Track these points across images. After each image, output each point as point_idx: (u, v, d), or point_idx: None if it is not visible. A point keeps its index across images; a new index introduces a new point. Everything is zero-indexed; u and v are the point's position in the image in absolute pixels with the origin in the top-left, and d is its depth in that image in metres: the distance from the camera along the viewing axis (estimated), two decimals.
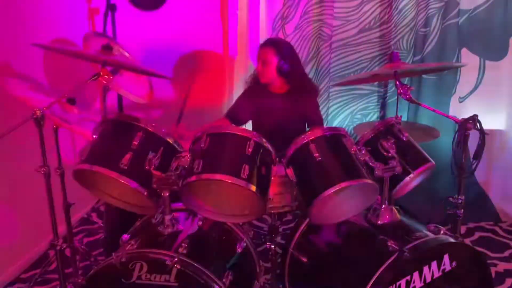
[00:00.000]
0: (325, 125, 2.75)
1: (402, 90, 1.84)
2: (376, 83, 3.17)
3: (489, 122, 2.99)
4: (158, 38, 3.20)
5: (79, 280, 1.99)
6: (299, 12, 3.05)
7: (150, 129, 1.62)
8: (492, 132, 3.04)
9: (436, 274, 1.60)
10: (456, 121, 1.79)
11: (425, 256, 1.59)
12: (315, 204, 1.57)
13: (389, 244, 1.59)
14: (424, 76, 2.99)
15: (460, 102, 3.07)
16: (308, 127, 2.65)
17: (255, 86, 2.60)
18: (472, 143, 1.80)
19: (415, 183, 1.84)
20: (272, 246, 1.85)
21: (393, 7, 2.94)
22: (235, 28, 3.12)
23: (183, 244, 1.59)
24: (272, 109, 2.53)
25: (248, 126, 2.72)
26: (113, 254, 1.54)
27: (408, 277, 1.55)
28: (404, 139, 1.78)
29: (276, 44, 2.50)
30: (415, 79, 2.99)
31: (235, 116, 2.60)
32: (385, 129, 1.78)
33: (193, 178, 1.52)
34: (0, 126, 1.64)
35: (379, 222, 1.74)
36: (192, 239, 1.67)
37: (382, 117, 3.21)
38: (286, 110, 2.51)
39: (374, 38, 3.10)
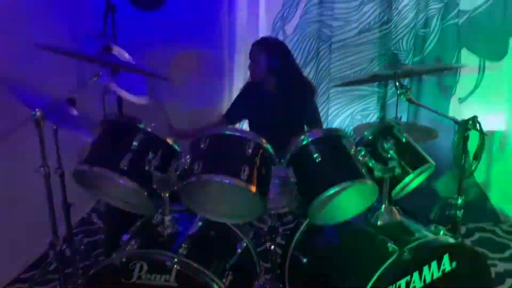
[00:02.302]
0: (325, 126, 2.74)
1: (402, 91, 1.84)
2: (376, 84, 3.17)
3: (489, 123, 2.98)
4: (158, 38, 3.19)
5: (79, 280, 1.99)
6: (299, 12, 3.06)
7: (149, 129, 1.62)
8: (492, 133, 3.04)
9: (436, 274, 1.60)
10: (456, 122, 1.79)
11: (425, 256, 1.59)
12: (314, 204, 1.57)
13: (389, 244, 1.60)
14: (424, 76, 2.98)
15: (460, 102, 3.07)
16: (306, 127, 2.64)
17: (251, 86, 2.61)
18: (472, 144, 1.80)
19: (415, 183, 1.84)
20: (272, 247, 1.85)
21: (393, 8, 2.94)
22: (235, 28, 3.12)
23: (183, 245, 1.60)
24: (268, 108, 2.53)
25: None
26: (113, 254, 1.54)
27: (408, 277, 1.55)
28: (404, 140, 1.78)
29: (266, 44, 2.51)
30: (415, 79, 2.99)
31: (232, 116, 2.60)
32: (385, 130, 1.78)
33: (193, 178, 1.52)
34: (0, 126, 1.64)
35: (379, 223, 1.74)
36: (192, 239, 1.67)
37: (382, 118, 3.21)
38: (282, 109, 2.51)
39: (374, 39, 3.10)
